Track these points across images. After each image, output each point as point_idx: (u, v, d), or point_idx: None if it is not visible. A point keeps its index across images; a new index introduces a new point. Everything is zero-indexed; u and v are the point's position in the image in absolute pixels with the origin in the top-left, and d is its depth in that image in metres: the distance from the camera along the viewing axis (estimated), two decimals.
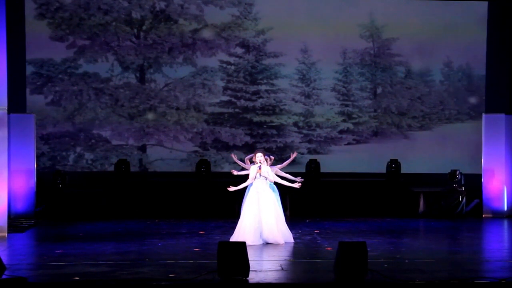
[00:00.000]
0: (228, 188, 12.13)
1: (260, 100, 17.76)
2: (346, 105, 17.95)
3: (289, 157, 13.34)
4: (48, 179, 16.19)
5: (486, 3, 17.85)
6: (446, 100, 18.16)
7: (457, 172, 16.48)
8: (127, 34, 17.49)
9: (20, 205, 15.64)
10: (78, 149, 17.39)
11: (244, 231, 11.82)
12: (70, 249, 11.29)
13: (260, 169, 12.02)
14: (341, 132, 17.90)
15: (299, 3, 17.74)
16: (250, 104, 17.74)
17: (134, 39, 17.52)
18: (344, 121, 17.93)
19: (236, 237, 11.79)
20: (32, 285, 8.51)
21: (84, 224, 14.59)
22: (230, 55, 17.69)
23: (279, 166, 12.90)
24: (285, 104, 17.80)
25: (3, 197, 12.70)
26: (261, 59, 17.75)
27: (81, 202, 15.88)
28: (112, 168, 16.99)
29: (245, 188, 12.26)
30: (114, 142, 17.45)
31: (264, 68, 17.77)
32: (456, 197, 16.29)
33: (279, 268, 9.80)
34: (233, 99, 17.72)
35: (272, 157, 13.00)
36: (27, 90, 17.19)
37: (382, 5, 17.86)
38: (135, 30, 17.53)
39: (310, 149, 17.79)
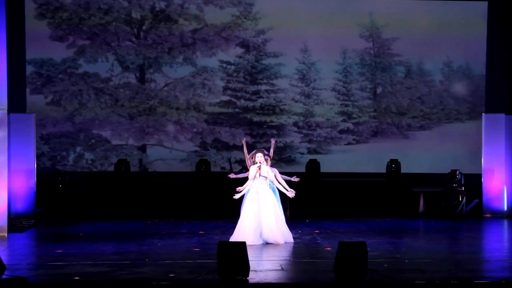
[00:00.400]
0: (235, 196, 12.13)
1: (260, 100, 17.76)
2: (346, 105, 17.95)
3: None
4: (48, 179, 16.20)
5: (486, 2, 17.85)
6: (446, 100, 18.16)
7: (457, 172, 16.48)
8: (127, 34, 17.49)
9: (20, 205, 15.65)
10: (78, 149, 17.39)
11: (244, 231, 11.82)
12: (70, 249, 11.29)
13: (259, 169, 12.03)
14: (341, 132, 17.90)
15: (299, 3, 17.74)
16: (250, 104, 17.74)
17: (134, 39, 17.52)
18: (344, 121, 17.93)
19: (236, 237, 11.79)
20: (32, 285, 8.51)
21: (84, 224, 14.59)
22: (230, 55, 17.69)
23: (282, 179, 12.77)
24: (285, 104, 17.80)
25: (3, 197, 12.70)
26: (261, 59, 17.75)
27: (81, 202, 15.89)
28: (112, 168, 16.99)
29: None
30: (114, 142, 17.45)
31: (264, 68, 17.77)
32: (456, 197, 16.29)
33: (279, 268, 9.80)
34: (233, 99, 17.72)
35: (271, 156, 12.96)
36: (27, 90, 17.19)
37: (382, 5, 17.86)
38: (135, 30, 17.53)
39: (310, 149, 17.79)
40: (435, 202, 16.42)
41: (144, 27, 17.54)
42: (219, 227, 14.13)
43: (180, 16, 17.56)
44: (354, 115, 17.94)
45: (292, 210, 16.11)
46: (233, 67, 17.70)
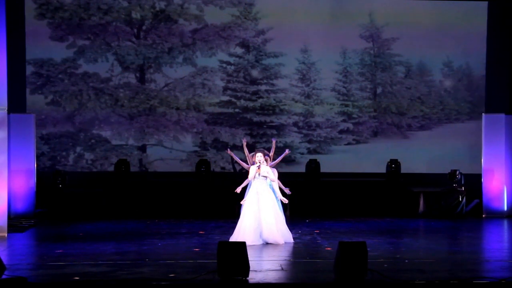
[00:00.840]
0: (236, 190, 12.18)
1: (260, 100, 17.76)
2: (346, 105, 17.95)
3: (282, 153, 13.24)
4: (48, 179, 16.20)
5: (486, 2, 17.85)
6: (446, 100, 18.16)
7: (457, 172, 16.48)
8: (127, 34, 17.49)
9: (20, 205, 15.65)
10: (78, 149, 17.39)
11: (244, 231, 11.83)
12: (70, 249, 11.29)
13: (259, 168, 12.04)
14: (341, 132, 17.90)
15: (299, 3, 17.74)
16: (250, 104, 17.74)
17: (134, 39, 17.52)
18: (344, 121, 17.93)
19: (236, 237, 11.79)
20: (32, 285, 8.51)
21: (84, 224, 14.59)
22: (230, 55, 17.69)
23: (272, 163, 12.79)
24: (285, 104, 17.80)
25: (3, 197, 12.70)
26: (261, 59, 17.75)
27: (81, 202, 15.89)
28: (112, 168, 16.98)
29: (245, 188, 12.28)
30: (114, 142, 17.45)
31: (264, 68, 17.77)
32: (456, 197, 16.29)
33: (279, 268, 9.80)
34: (233, 99, 17.72)
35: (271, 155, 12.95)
36: (27, 90, 17.19)
37: (382, 5, 17.86)
38: (135, 30, 17.53)
39: (310, 149, 17.79)
40: (435, 202, 16.42)
41: (144, 27, 17.54)
42: (219, 227, 14.13)
43: (180, 16, 17.56)
44: (354, 115, 17.94)
45: (292, 210, 16.11)
46: (233, 67, 17.70)
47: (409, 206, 16.55)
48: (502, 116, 16.65)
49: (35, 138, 16.19)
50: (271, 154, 12.78)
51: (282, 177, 12.74)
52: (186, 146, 17.56)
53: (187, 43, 17.58)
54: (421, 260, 10.42)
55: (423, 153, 17.83)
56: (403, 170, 17.08)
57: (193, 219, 15.55)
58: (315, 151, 17.78)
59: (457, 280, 8.72)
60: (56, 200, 15.87)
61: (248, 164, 12.54)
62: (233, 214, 13.41)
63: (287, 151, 12.80)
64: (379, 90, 18.07)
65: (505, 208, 16.35)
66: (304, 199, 16.48)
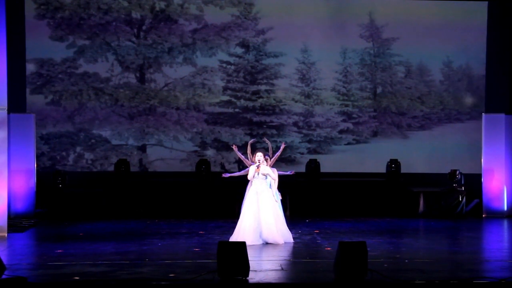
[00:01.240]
0: (223, 175, 12.31)
1: (260, 100, 17.76)
2: (346, 105, 17.95)
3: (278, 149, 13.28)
4: (48, 179, 16.20)
5: (486, 3, 17.85)
6: (446, 100, 18.16)
7: (457, 172, 16.48)
8: (127, 34, 17.49)
9: (20, 205, 15.65)
10: (78, 149, 17.39)
11: (244, 231, 11.83)
12: (70, 249, 11.29)
13: (258, 168, 12.05)
14: (341, 132, 17.90)
15: (299, 3, 17.74)
16: (250, 104, 17.74)
17: (134, 39, 17.52)
18: (344, 121, 17.93)
19: (235, 237, 11.79)
20: (32, 285, 8.51)
21: (84, 224, 14.59)
22: (230, 55, 17.69)
23: (272, 160, 12.78)
24: (285, 104, 17.80)
25: (3, 197, 12.70)
26: (261, 59, 17.75)
27: (81, 202, 15.89)
28: (112, 168, 16.99)
29: (245, 188, 12.29)
30: (114, 142, 17.45)
31: (264, 68, 17.77)
32: (456, 197, 16.30)
33: (279, 268, 9.80)
34: (233, 99, 17.72)
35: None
36: (27, 90, 17.18)
37: (382, 5, 17.86)
38: (135, 30, 17.53)
39: (310, 149, 17.79)
40: (435, 202, 16.42)
41: (144, 27, 17.54)
42: (219, 227, 14.13)
43: (180, 16, 17.56)
44: (354, 115, 17.94)
45: (292, 210, 16.12)
46: (233, 67, 17.70)
47: (409, 206, 16.56)
48: (502, 116, 16.65)
49: (35, 138, 16.20)
50: (277, 156, 12.80)
51: (282, 176, 12.74)
52: (186, 146, 17.56)
53: (187, 43, 17.58)
54: (421, 260, 10.41)
55: (423, 153, 17.83)
56: (403, 170, 17.09)
57: (193, 219, 15.55)
58: (315, 151, 17.78)
59: (457, 280, 8.72)
60: (56, 200, 15.87)
61: (250, 162, 12.54)
62: (233, 214, 13.43)
63: (283, 144, 12.90)
64: (379, 90, 18.07)
65: (505, 208, 16.35)
66: (304, 199, 16.48)
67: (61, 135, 17.36)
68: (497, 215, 16.26)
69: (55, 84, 17.34)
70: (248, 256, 8.80)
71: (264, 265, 9.95)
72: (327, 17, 17.78)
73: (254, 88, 17.75)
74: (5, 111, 12.78)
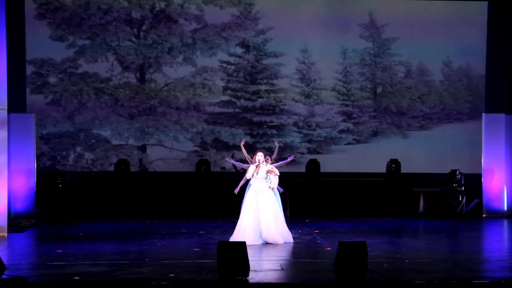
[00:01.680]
0: (235, 191, 12.29)
1: (260, 100, 17.76)
2: (346, 105, 17.95)
3: (287, 157, 13.42)
4: (48, 179, 16.19)
5: (486, 3, 17.85)
6: (446, 100, 18.16)
7: (457, 172, 16.48)
8: (127, 34, 17.49)
9: (20, 205, 15.66)
10: (78, 149, 17.39)
11: (244, 231, 11.83)
12: (70, 249, 11.29)
13: (257, 168, 12.05)
14: (341, 132, 17.90)
15: (299, 3, 17.74)
16: (250, 104, 17.74)
17: (134, 39, 17.52)
18: (344, 121, 17.93)
19: (235, 237, 11.79)
20: (32, 285, 8.51)
21: (84, 224, 14.59)
22: (230, 55, 17.69)
23: (275, 164, 12.85)
24: (285, 104, 17.80)
25: (3, 197, 12.71)
26: (261, 59, 17.75)
27: (81, 202, 15.88)
28: (112, 168, 16.98)
29: (245, 188, 12.30)
30: (114, 142, 17.45)
31: (264, 68, 17.77)
32: (456, 197, 16.30)
33: (279, 268, 9.80)
34: (233, 99, 17.72)
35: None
36: (27, 90, 17.18)
37: (382, 5, 17.86)
38: (135, 30, 17.53)
39: (310, 149, 17.79)
40: (435, 202, 16.42)
41: (144, 27, 17.54)
42: (219, 227, 14.13)
43: (180, 16, 17.56)
44: (354, 115, 17.94)
45: (292, 210, 16.12)
46: (233, 67, 17.70)
47: (409, 206, 16.55)
48: (502, 116, 16.65)
49: (35, 138, 16.20)
50: (274, 156, 12.84)
51: (282, 177, 12.76)
52: (186, 146, 17.56)
53: (187, 43, 17.58)
54: (421, 260, 10.41)
55: (423, 153, 17.83)
56: (403, 170, 17.08)
57: (193, 219, 15.55)
58: (315, 151, 17.78)
59: (457, 280, 8.72)
60: (56, 200, 15.87)
61: (248, 163, 12.56)
62: (233, 214, 13.42)
63: (291, 157, 13.02)
64: (379, 90, 18.06)
65: (505, 208, 16.35)
66: (304, 199, 16.48)
67: (61, 135, 17.36)
68: (497, 215, 16.26)
69: (55, 84, 17.34)
70: (248, 256, 8.80)
71: (264, 265, 9.95)
72: (327, 17, 17.78)
73: (254, 88, 17.75)
74: (5, 111, 12.78)
